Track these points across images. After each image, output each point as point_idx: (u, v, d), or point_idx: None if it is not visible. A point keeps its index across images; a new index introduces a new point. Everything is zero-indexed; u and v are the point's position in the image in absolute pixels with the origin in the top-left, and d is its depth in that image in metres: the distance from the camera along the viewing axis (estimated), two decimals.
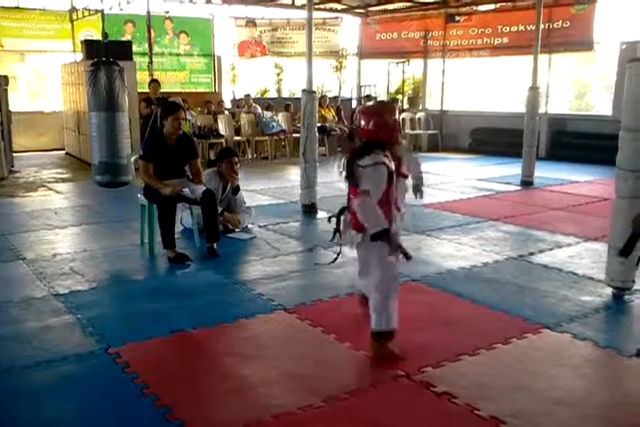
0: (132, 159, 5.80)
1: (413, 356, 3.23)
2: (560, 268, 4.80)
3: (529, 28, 11.49)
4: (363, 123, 3.17)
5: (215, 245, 5.13)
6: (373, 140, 3.13)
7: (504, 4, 12.62)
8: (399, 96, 14.96)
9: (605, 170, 8.98)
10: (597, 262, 4.79)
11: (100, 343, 3.40)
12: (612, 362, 3.33)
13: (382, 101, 3.55)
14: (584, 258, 5.07)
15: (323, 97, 12.29)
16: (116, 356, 3.24)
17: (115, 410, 2.76)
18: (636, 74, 3.87)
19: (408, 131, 13.29)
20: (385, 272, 3.14)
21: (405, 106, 14.55)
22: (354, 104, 14.42)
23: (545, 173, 9.36)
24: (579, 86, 17.28)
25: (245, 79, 14.81)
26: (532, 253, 5.22)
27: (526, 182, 8.75)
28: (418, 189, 3.50)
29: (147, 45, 11.22)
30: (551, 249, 5.36)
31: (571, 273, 4.67)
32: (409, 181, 3.35)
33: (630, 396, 2.95)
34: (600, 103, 15.38)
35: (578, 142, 11.28)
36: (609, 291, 4.20)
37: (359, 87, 15.12)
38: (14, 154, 10.53)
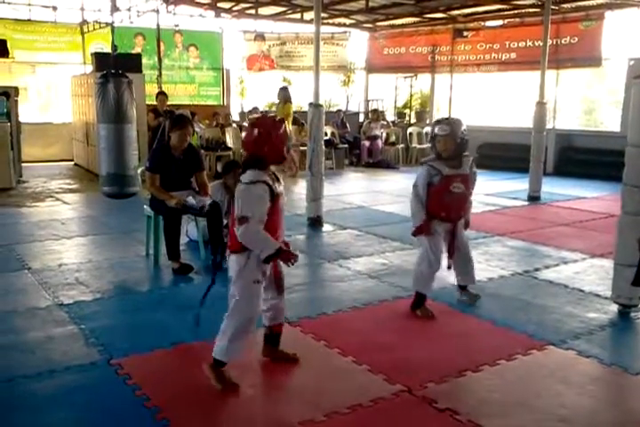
0: (139, 171, 5.84)
1: (416, 371, 3.21)
2: (566, 284, 4.77)
3: (537, 44, 11.52)
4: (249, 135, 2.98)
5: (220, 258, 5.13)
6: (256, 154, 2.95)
7: (512, 19, 12.68)
8: (407, 110, 15.01)
9: (612, 186, 8.92)
10: (603, 279, 4.76)
11: (102, 354, 3.40)
12: (617, 380, 3.29)
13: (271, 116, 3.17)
14: (590, 274, 5.04)
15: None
16: (118, 367, 3.23)
17: (115, 422, 2.75)
18: None
19: (415, 145, 13.33)
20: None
21: (413, 120, 14.60)
22: (361, 118, 14.49)
23: (552, 188, 9.34)
24: (587, 102, 17.30)
25: (254, 92, 14.90)
26: (537, 269, 5.19)
27: (533, 198, 8.73)
28: None
29: (156, 58, 11.32)
30: (557, 265, 5.33)
31: (576, 289, 4.64)
32: None
33: (635, 414, 2.92)
34: (609, 119, 15.38)
35: (585, 158, 11.26)
36: (615, 308, 4.17)
37: (366, 101, 15.18)
38: (23, 164, 10.59)
